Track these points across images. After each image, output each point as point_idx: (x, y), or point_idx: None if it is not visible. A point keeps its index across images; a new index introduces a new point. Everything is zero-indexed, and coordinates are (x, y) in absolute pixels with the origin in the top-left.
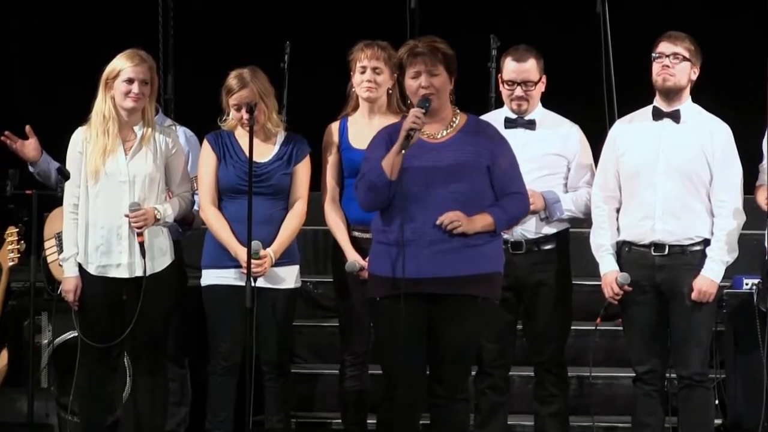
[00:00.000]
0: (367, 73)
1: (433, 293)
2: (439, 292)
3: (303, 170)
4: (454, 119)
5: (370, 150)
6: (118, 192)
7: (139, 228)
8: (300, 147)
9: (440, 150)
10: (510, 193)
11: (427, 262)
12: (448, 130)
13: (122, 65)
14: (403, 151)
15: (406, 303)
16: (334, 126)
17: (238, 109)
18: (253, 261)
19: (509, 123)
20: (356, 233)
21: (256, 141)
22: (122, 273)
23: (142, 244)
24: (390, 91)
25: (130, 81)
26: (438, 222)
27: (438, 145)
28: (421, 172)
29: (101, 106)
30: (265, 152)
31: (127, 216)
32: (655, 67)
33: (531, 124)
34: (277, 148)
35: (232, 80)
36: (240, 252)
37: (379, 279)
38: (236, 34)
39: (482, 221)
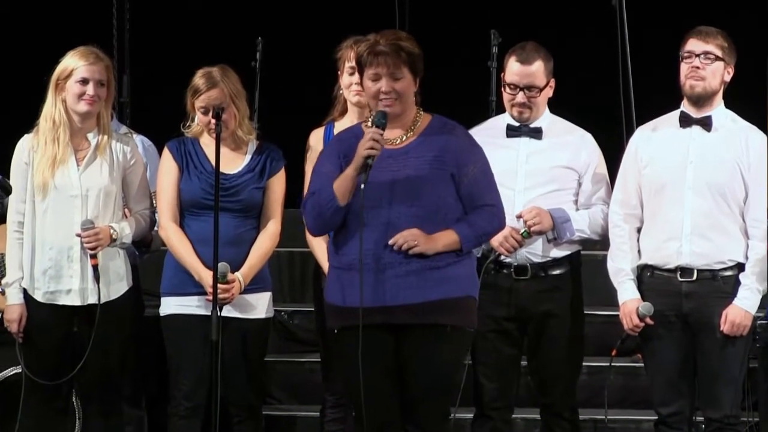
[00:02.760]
0: (357, 74)
1: (395, 323)
2: (402, 322)
3: (277, 185)
4: (416, 120)
5: (319, 162)
6: (69, 208)
7: (92, 249)
8: (274, 158)
9: (398, 158)
10: (480, 206)
11: (385, 288)
12: (408, 134)
13: (75, 64)
14: (363, 186)
15: (367, 336)
16: (319, 132)
17: (205, 113)
18: (219, 286)
19: (512, 131)
20: None
21: (224, 150)
22: (73, 300)
23: (95, 268)
24: None
25: (84, 81)
26: (391, 242)
27: (396, 151)
28: (376, 185)
29: (51, 110)
30: (234, 163)
31: (79, 235)
32: (684, 68)
33: (537, 133)
34: (248, 158)
35: (199, 80)
36: (204, 276)
37: (336, 309)
38: (201, 29)
39: (445, 239)
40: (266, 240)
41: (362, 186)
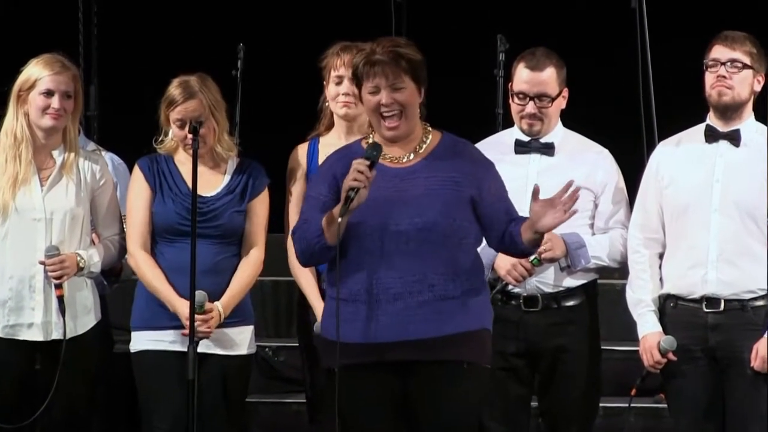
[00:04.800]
0: (345, 84)
1: (404, 361)
2: (413, 358)
3: (260, 207)
4: (424, 138)
5: (312, 185)
6: (31, 233)
7: (57, 279)
8: (256, 177)
9: (405, 177)
10: (516, 218)
11: (393, 321)
12: (417, 153)
13: (39, 74)
14: (340, 219)
15: (372, 374)
16: (302, 149)
17: (182, 127)
18: (196, 317)
19: (521, 146)
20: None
21: (201, 168)
22: (35, 335)
23: (60, 299)
24: None
25: (48, 93)
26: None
27: (402, 170)
28: (381, 206)
29: (12, 124)
30: (212, 183)
31: (42, 263)
32: (709, 77)
33: (548, 149)
34: (227, 178)
35: (174, 90)
36: (179, 306)
37: (334, 345)
38: (177, 34)
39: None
40: (248, 268)
41: (339, 220)
